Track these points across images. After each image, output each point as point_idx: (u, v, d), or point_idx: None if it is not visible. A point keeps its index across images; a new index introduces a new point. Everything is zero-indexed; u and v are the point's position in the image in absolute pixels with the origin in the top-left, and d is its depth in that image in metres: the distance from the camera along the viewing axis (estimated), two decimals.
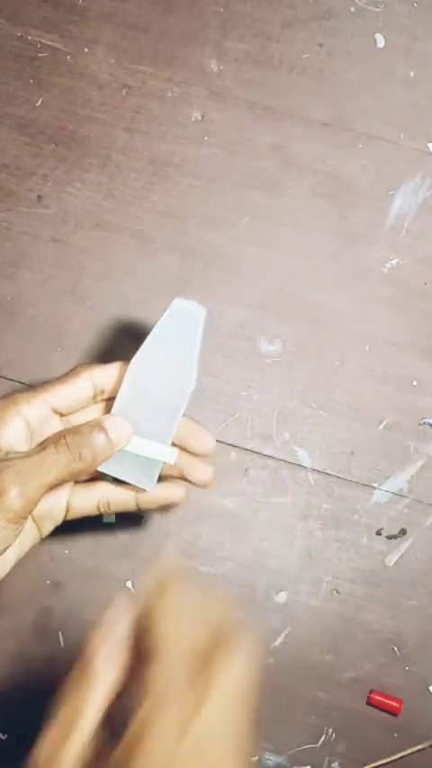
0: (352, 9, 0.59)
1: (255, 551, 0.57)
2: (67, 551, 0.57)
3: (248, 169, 0.59)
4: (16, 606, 0.57)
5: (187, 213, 0.59)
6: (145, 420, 0.44)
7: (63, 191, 0.59)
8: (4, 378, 0.58)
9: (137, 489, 0.45)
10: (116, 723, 0.34)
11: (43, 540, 0.47)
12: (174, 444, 0.45)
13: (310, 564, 0.57)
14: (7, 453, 0.42)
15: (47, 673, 0.57)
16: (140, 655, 0.35)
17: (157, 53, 0.60)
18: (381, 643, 0.56)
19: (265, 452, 0.57)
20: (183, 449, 0.46)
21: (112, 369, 0.45)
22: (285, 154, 0.59)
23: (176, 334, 0.43)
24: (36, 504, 0.41)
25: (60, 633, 0.57)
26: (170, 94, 0.59)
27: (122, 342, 0.58)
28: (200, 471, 0.46)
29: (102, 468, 0.45)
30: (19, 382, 0.58)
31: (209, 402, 0.57)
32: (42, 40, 0.60)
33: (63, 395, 0.44)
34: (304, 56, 0.59)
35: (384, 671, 0.56)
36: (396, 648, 0.56)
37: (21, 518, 0.40)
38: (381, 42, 0.59)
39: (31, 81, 0.60)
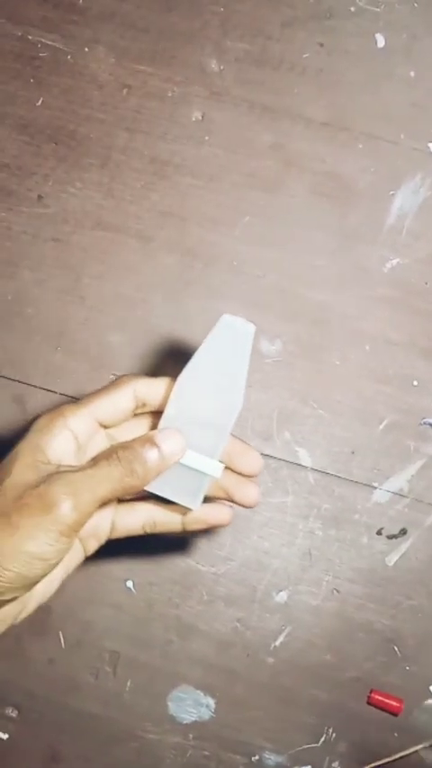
0: (352, 9, 0.59)
1: (255, 551, 0.57)
2: None
3: (248, 169, 0.59)
4: None
5: (187, 213, 0.59)
6: (191, 438, 0.43)
7: (63, 190, 0.59)
8: (4, 377, 0.58)
9: (183, 509, 0.44)
10: None
11: None
12: (220, 463, 0.45)
13: (311, 564, 0.57)
14: (59, 466, 0.41)
15: (47, 673, 0.57)
16: None
17: (157, 53, 0.60)
18: (381, 642, 0.56)
19: (266, 452, 0.57)
20: (229, 468, 0.45)
21: (157, 383, 0.44)
22: (285, 153, 0.59)
23: (225, 350, 0.42)
24: (89, 517, 0.40)
25: (60, 633, 0.57)
26: (170, 94, 0.59)
27: (122, 342, 0.58)
28: (247, 492, 0.44)
29: (147, 488, 0.44)
30: (19, 381, 0.58)
31: None
32: (43, 40, 0.60)
33: (107, 406, 0.43)
34: (304, 55, 0.59)
35: (384, 670, 0.56)
36: (396, 648, 0.56)
37: (73, 531, 0.39)
38: (381, 42, 0.59)
39: (32, 81, 0.60)
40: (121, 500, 0.47)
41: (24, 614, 0.43)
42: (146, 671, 0.57)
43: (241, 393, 0.42)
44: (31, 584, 0.40)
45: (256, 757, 0.56)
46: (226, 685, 0.57)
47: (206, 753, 0.56)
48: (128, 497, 0.47)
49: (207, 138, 0.59)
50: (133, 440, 0.42)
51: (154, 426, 0.45)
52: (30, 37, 0.60)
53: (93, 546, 0.46)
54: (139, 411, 0.45)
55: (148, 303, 0.58)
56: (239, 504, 0.45)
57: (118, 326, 0.58)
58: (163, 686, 0.57)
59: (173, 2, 0.60)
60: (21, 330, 0.58)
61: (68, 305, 0.59)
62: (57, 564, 0.40)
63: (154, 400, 0.44)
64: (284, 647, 0.56)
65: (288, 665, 0.56)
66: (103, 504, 0.41)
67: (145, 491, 0.44)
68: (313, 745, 0.56)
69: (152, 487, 0.44)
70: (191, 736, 0.57)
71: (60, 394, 0.58)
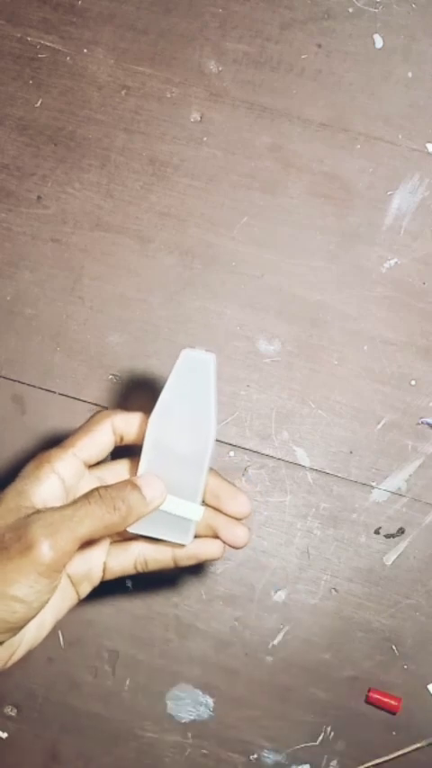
0: (350, 10, 0.59)
1: (254, 550, 0.57)
2: None
3: (247, 169, 0.59)
4: None
5: (186, 213, 0.59)
6: (173, 476, 0.43)
7: (62, 191, 0.59)
8: (4, 377, 0.58)
9: (174, 545, 0.44)
10: None
11: None
12: (209, 506, 0.44)
13: (309, 563, 0.57)
14: (41, 509, 0.41)
15: (47, 672, 0.57)
16: None
17: (156, 54, 0.60)
18: (379, 641, 0.56)
19: (264, 452, 0.57)
20: (218, 510, 0.45)
21: (132, 418, 0.45)
22: (284, 154, 0.59)
23: (190, 384, 0.42)
24: (70, 556, 0.39)
25: (60, 632, 0.57)
26: (169, 95, 0.60)
27: (122, 342, 0.58)
28: (236, 533, 0.44)
29: (135, 530, 0.44)
30: (19, 382, 0.58)
31: None
32: (42, 42, 0.60)
33: (89, 447, 0.44)
34: (303, 56, 0.59)
35: (383, 669, 0.56)
36: (394, 647, 0.56)
37: (53, 571, 0.39)
38: (379, 43, 0.59)
39: (31, 82, 0.60)
40: (113, 541, 0.47)
41: (14, 659, 0.42)
42: (145, 670, 0.57)
43: (213, 424, 0.43)
44: (14, 629, 0.39)
45: (255, 756, 0.56)
46: (225, 684, 0.57)
47: (205, 751, 0.57)
48: (113, 539, 0.47)
49: (206, 138, 0.59)
50: (115, 483, 0.42)
51: (133, 468, 0.45)
52: (29, 38, 0.60)
53: (86, 589, 0.45)
54: (117, 444, 0.45)
55: (148, 303, 0.59)
56: (228, 545, 0.44)
57: (117, 327, 0.59)
58: (162, 685, 0.57)
59: (172, 3, 0.60)
60: (20, 330, 0.59)
61: (68, 305, 0.59)
62: (39, 607, 0.39)
63: (131, 434, 0.45)
64: (283, 645, 0.57)
65: (286, 663, 0.57)
66: (85, 543, 0.40)
67: (132, 533, 0.44)
68: (312, 744, 0.56)
69: (140, 529, 0.43)
70: (189, 734, 0.57)
71: (60, 394, 0.58)
